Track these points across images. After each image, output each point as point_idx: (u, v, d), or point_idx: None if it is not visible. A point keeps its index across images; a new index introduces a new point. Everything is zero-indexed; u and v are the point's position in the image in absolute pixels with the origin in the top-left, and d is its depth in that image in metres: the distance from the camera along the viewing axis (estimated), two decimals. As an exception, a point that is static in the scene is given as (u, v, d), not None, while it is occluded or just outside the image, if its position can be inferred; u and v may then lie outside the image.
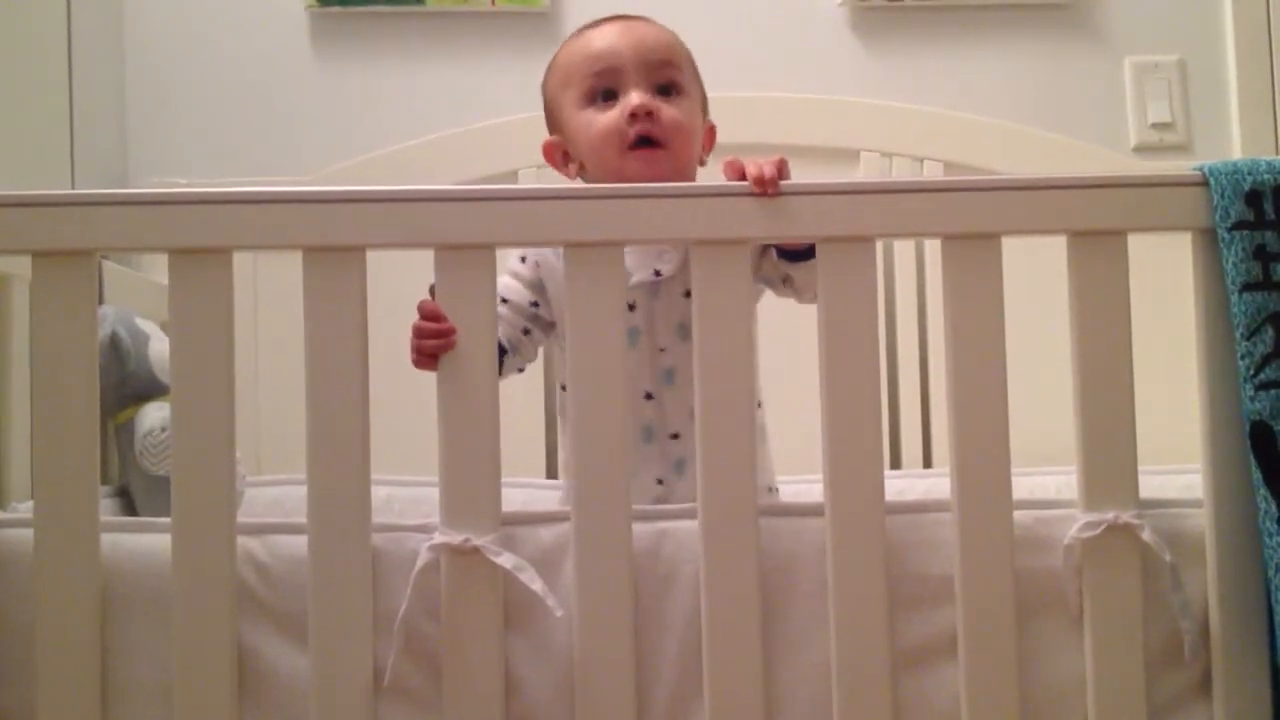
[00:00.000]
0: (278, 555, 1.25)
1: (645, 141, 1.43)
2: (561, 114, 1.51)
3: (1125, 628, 1.23)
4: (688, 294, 1.47)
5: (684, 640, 1.23)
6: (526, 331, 1.52)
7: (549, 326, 1.54)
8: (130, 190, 1.63)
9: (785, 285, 1.45)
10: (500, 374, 1.44)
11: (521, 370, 1.55)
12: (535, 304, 1.52)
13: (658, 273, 1.48)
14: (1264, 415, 1.21)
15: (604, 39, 1.49)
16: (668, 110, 1.45)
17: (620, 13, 1.54)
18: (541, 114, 1.57)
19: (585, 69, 1.48)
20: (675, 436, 1.50)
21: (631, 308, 1.47)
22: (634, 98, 1.44)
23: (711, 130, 1.56)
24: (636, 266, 1.46)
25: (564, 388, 1.54)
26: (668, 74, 1.47)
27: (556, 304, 1.52)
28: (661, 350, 1.49)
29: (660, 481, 1.50)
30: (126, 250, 1.63)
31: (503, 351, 1.46)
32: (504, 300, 1.51)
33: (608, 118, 1.45)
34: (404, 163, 2.13)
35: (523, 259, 1.54)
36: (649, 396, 1.50)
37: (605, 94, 1.47)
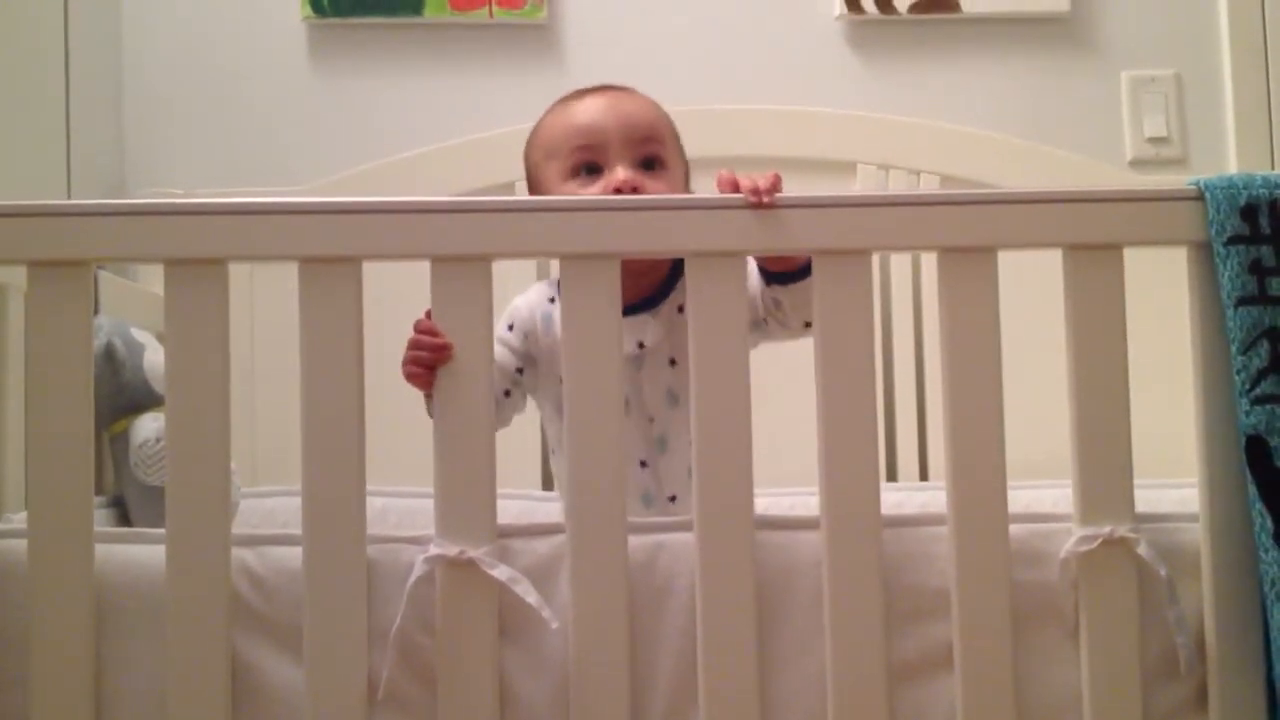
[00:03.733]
0: (272, 567, 1.24)
1: None
2: (544, 184, 1.52)
3: (1121, 642, 1.23)
4: (672, 362, 1.49)
5: (679, 652, 1.23)
6: (507, 393, 1.53)
7: (528, 393, 1.54)
8: (126, 201, 1.62)
9: (775, 312, 1.44)
10: None
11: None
12: (520, 370, 1.53)
13: (641, 344, 1.48)
14: (1259, 430, 1.21)
15: (588, 113, 1.50)
16: (651, 186, 1.45)
17: (605, 84, 1.54)
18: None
19: (569, 143, 1.48)
20: (673, 499, 1.51)
21: None
22: (619, 173, 1.44)
23: None
24: None
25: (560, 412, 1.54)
26: (651, 149, 1.48)
27: (547, 372, 1.52)
28: (651, 420, 1.50)
29: None
30: (122, 261, 1.63)
31: None
32: None
33: (590, 192, 1.46)
34: (401, 174, 2.13)
35: (510, 327, 1.54)
36: (644, 465, 1.51)
37: (589, 168, 1.47)
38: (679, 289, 1.51)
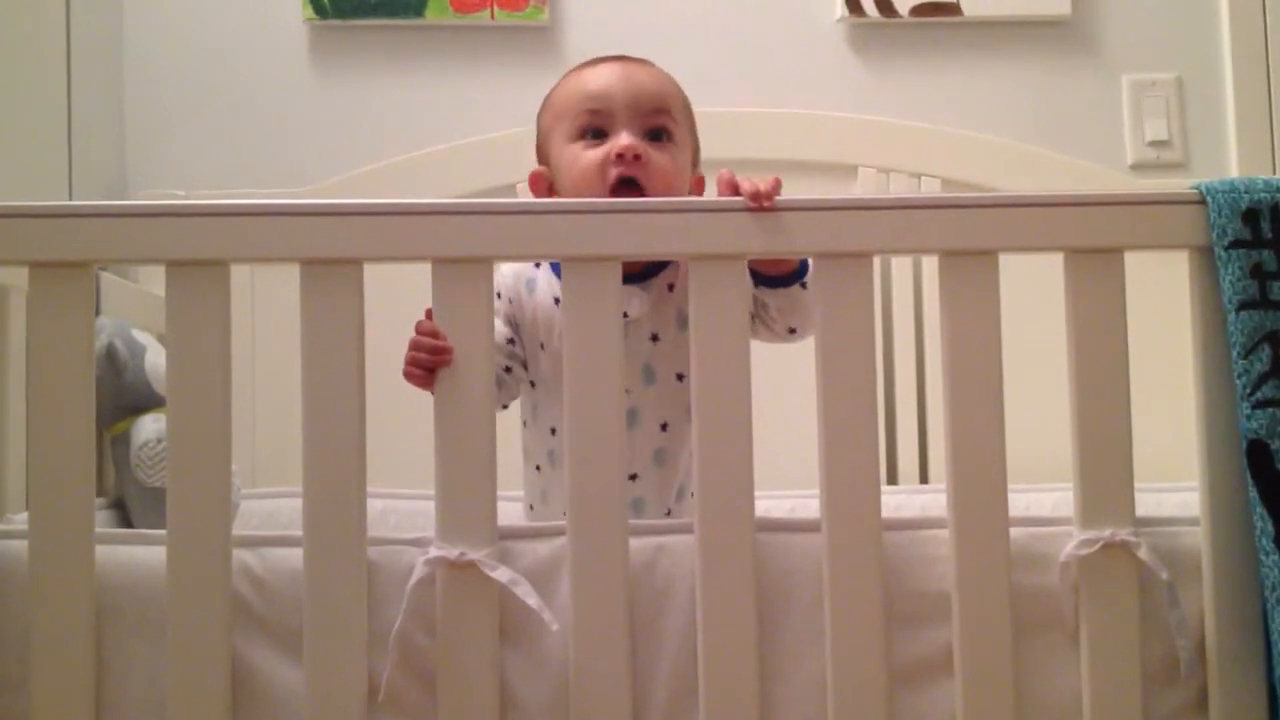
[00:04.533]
0: (273, 568, 1.24)
1: (627, 183, 1.43)
2: (551, 147, 1.52)
3: (1122, 645, 1.23)
4: (654, 337, 1.48)
5: (680, 655, 1.23)
6: (508, 369, 1.52)
7: (524, 365, 1.54)
8: (128, 202, 1.63)
9: (762, 314, 1.44)
10: None
11: (505, 407, 1.53)
12: (511, 340, 1.53)
13: (625, 315, 1.48)
14: (1260, 433, 1.21)
15: (600, 79, 1.49)
16: (655, 156, 1.45)
17: (621, 54, 1.54)
18: (540, 128, 1.57)
19: (578, 106, 1.48)
20: (634, 478, 1.50)
21: None
22: (623, 139, 1.44)
23: (700, 182, 1.56)
24: None
25: (533, 384, 1.54)
26: (659, 120, 1.48)
27: (529, 338, 1.52)
28: (626, 393, 1.49)
29: None
30: (124, 262, 1.63)
31: None
32: None
33: (593, 155, 1.45)
34: (402, 176, 2.13)
35: (497, 294, 1.53)
36: None
37: (595, 132, 1.47)
38: (672, 266, 1.51)
